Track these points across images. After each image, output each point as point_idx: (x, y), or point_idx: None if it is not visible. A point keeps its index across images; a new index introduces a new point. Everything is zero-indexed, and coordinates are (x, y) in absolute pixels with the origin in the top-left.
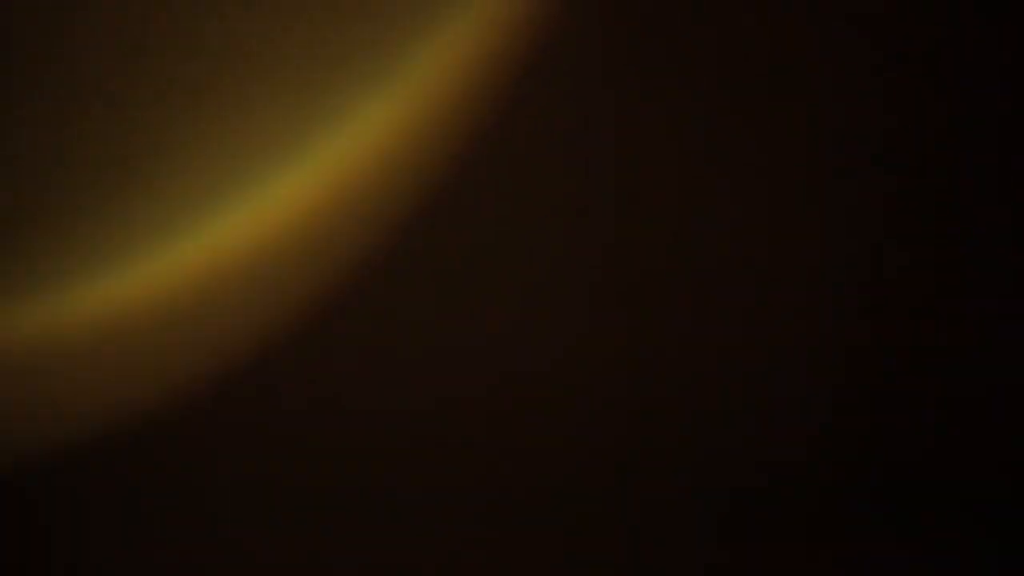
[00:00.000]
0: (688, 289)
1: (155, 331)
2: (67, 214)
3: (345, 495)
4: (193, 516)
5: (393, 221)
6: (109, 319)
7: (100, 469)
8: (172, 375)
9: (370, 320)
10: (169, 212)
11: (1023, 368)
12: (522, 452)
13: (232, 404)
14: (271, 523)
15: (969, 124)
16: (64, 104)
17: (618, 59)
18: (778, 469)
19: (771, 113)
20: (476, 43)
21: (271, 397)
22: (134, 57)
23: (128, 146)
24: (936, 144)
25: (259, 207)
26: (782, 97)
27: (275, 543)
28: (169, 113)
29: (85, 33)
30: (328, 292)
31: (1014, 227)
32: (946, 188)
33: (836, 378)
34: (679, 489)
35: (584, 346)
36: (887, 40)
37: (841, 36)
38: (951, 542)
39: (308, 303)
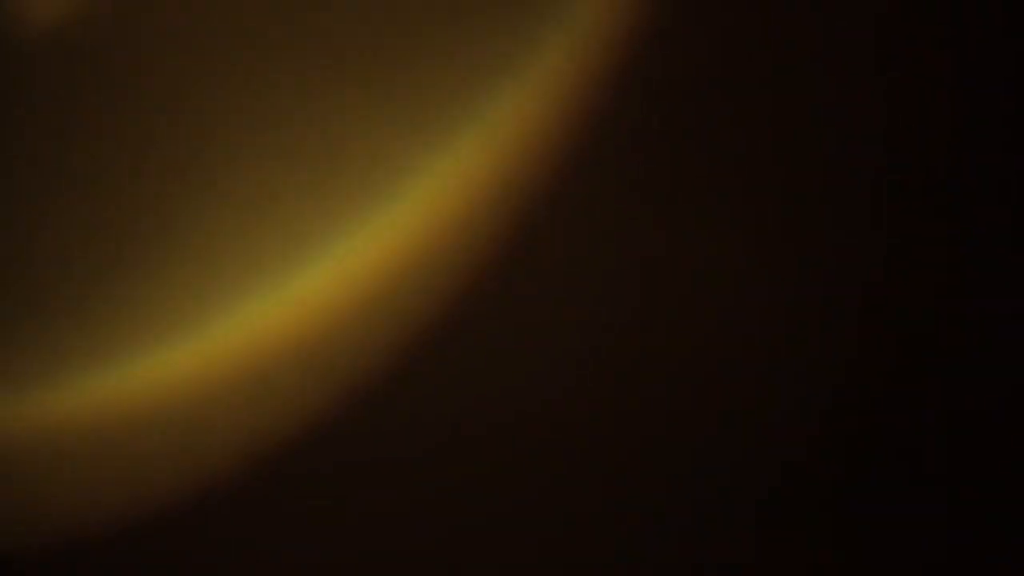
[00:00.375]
0: (688, 290)
1: (158, 427)
2: (71, 307)
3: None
4: None
5: (417, 323)
6: (115, 413)
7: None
8: (174, 473)
9: (393, 414)
10: (180, 306)
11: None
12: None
13: (238, 506)
14: None
15: (971, 124)
16: (67, 192)
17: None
18: (779, 470)
19: (771, 116)
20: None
21: (280, 498)
22: (143, 143)
23: (133, 236)
24: (937, 144)
25: (280, 300)
26: (782, 99)
27: None
28: (179, 201)
29: (93, 121)
30: (353, 392)
31: (1014, 227)
32: (947, 188)
33: (838, 379)
34: (681, 491)
35: (586, 350)
36: (888, 39)
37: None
38: (951, 542)
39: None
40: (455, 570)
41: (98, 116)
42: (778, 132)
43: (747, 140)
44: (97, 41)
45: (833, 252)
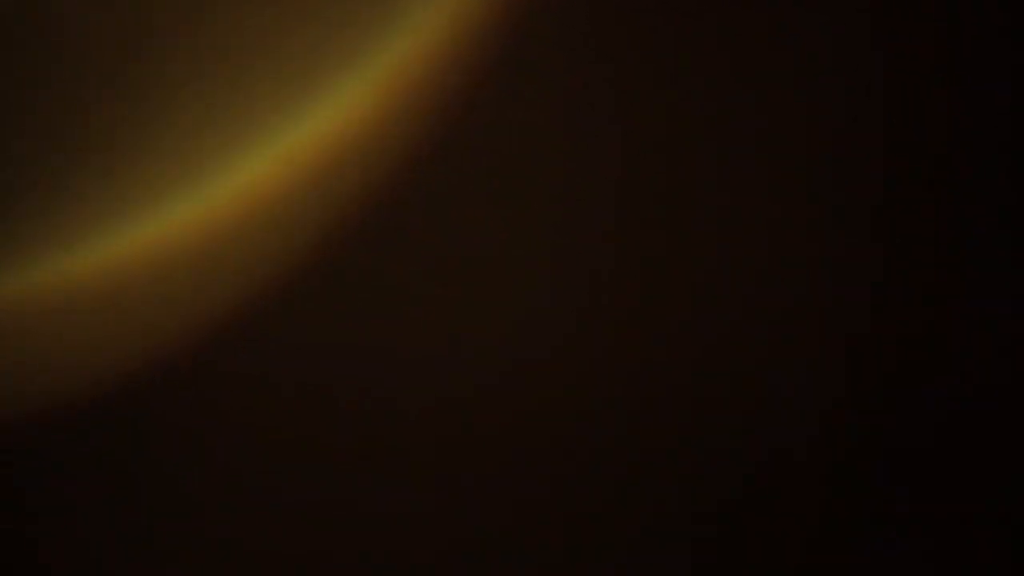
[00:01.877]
0: (688, 287)
1: (113, 308)
2: (19, 196)
3: (328, 480)
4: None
5: (374, 202)
6: (64, 297)
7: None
8: (121, 357)
9: (349, 309)
10: (130, 191)
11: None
12: (515, 452)
13: (187, 386)
14: (246, 504)
15: (973, 122)
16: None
17: (604, 47)
18: (778, 469)
19: (772, 111)
20: (450, 28)
21: (229, 380)
22: (91, 48)
23: (82, 131)
24: (939, 142)
25: (226, 187)
26: (783, 95)
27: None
28: (129, 96)
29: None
30: (296, 278)
31: (1015, 227)
32: (949, 187)
33: (837, 378)
34: (679, 490)
35: (578, 344)
36: (889, 37)
37: (843, 33)
38: (951, 543)
39: (273, 285)
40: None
41: None
42: (772, 124)
43: (742, 130)
44: None
45: (834, 251)
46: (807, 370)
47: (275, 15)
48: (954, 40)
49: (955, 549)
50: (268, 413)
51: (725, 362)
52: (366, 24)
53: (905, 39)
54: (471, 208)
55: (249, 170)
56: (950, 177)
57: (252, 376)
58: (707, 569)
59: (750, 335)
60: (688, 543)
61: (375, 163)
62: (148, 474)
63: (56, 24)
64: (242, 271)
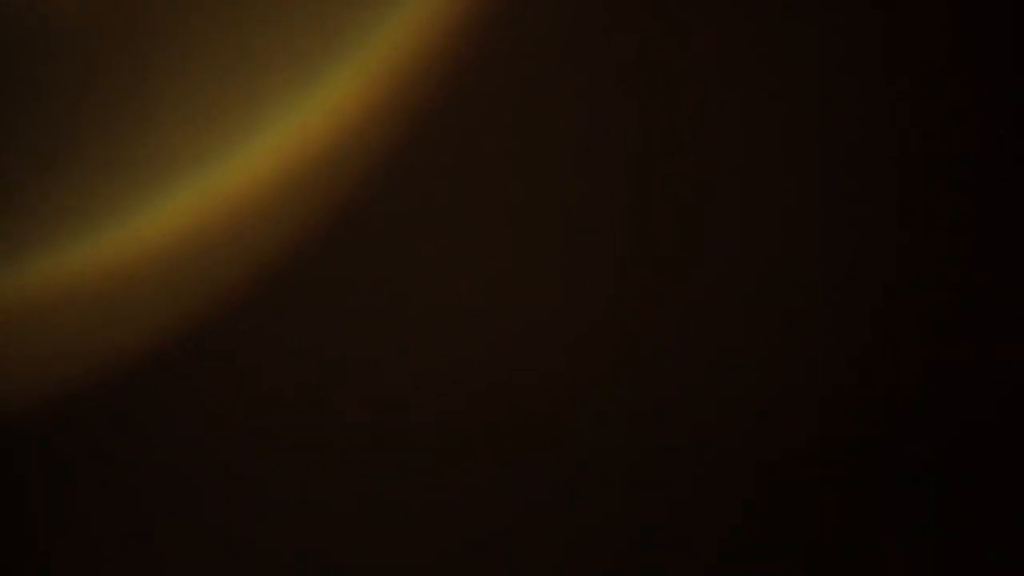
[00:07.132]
0: (692, 289)
1: (108, 303)
2: (13, 192)
3: (327, 475)
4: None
5: (374, 197)
6: (58, 293)
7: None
8: (115, 352)
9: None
10: (92, 201)
11: None
12: (519, 455)
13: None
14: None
15: (979, 123)
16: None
17: (601, 42)
18: (781, 472)
19: (777, 110)
20: (441, 21)
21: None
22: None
23: (76, 125)
24: (947, 144)
25: (219, 182)
26: (787, 94)
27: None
28: (121, 92)
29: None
30: (295, 271)
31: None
32: (956, 188)
33: (841, 379)
34: (683, 492)
35: (582, 345)
36: (898, 37)
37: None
38: (952, 546)
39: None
40: None
41: None
42: (777, 124)
43: (745, 129)
44: None
45: (838, 251)
46: (817, 371)
47: (264, 10)
48: (959, 39)
49: (961, 552)
50: (266, 407)
51: (733, 363)
52: (357, 16)
53: (913, 39)
54: (473, 201)
55: (243, 164)
56: (956, 179)
57: (249, 369)
58: (715, 570)
59: (759, 335)
60: (694, 545)
61: (374, 156)
62: (146, 468)
63: (51, 21)
64: (239, 264)
